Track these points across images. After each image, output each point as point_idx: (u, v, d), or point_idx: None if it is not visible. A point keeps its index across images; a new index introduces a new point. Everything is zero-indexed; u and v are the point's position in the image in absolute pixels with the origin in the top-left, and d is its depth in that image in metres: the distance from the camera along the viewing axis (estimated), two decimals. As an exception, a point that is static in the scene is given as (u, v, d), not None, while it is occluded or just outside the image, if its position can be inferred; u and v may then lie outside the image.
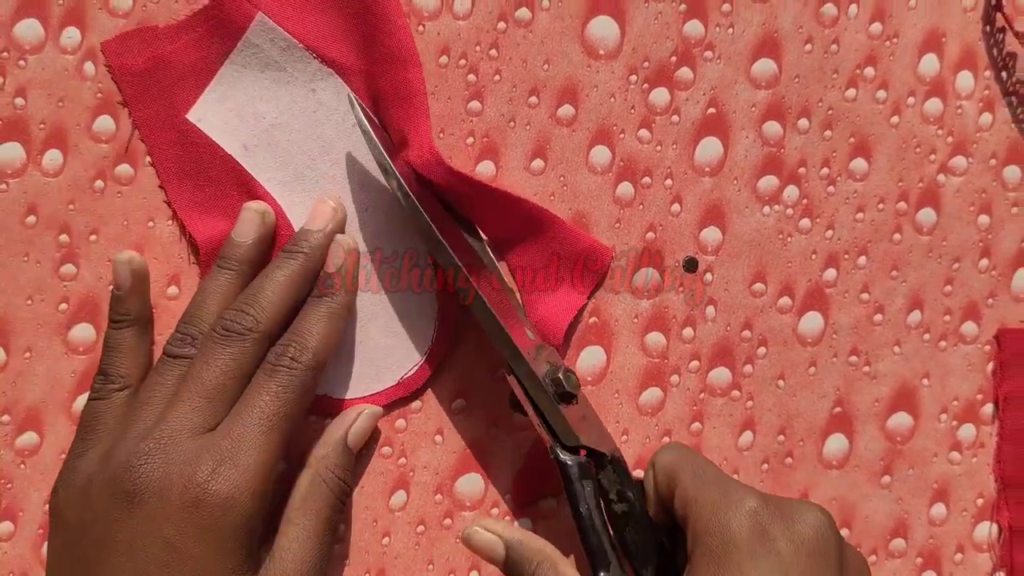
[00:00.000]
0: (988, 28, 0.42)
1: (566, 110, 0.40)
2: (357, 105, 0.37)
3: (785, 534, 0.31)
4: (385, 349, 0.39)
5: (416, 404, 0.40)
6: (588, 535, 0.34)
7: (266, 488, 0.33)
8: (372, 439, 0.39)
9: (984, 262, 0.43)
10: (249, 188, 0.38)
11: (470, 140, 0.40)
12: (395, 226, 0.39)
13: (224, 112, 0.38)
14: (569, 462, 0.35)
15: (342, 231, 0.38)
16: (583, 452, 0.35)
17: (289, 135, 0.39)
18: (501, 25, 0.40)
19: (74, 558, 0.33)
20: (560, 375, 0.35)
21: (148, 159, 0.38)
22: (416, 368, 0.39)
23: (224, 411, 0.34)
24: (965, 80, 0.42)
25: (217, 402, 0.34)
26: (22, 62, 0.38)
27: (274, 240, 0.38)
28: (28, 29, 0.38)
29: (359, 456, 0.38)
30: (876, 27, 0.42)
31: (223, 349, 0.34)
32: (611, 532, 0.35)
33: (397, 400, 0.39)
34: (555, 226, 0.39)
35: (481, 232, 0.40)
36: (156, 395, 0.34)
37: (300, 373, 0.35)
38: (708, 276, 0.41)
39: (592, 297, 0.40)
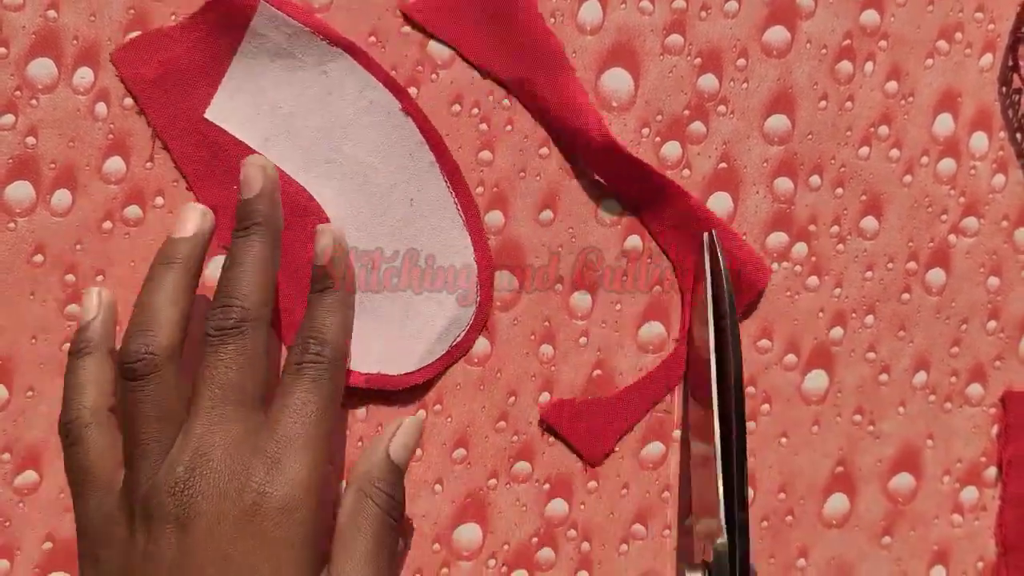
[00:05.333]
0: (1004, 89, 0.42)
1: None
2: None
3: None
4: (428, 317, 0.39)
5: (416, 452, 0.40)
6: None
7: (319, 488, 0.32)
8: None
9: (992, 324, 0.42)
10: None
11: (480, 190, 0.40)
12: (428, 196, 0.39)
13: (240, 107, 0.38)
14: None
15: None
16: None
17: (307, 121, 0.38)
18: (514, 75, 0.40)
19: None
20: None
21: (158, 200, 0.38)
22: (465, 332, 0.39)
23: (250, 410, 0.33)
24: (979, 141, 0.42)
25: (239, 403, 0.33)
26: (35, 101, 0.38)
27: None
28: (42, 68, 0.38)
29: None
30: (892, 85, 0.41)
31: (224, 347, 0.33)
32: None
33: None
34: (725, 231, 0.40)
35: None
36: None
37: (325, 368, 0.34)
38: (714, 332, 0.41)
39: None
